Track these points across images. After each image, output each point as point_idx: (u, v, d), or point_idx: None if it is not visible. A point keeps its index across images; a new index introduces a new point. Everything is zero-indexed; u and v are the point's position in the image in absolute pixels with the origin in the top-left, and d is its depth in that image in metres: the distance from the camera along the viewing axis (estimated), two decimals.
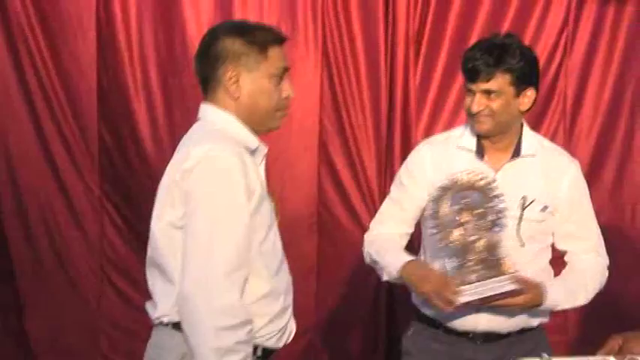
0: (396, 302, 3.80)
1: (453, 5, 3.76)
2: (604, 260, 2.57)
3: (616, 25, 3.74)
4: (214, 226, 1.96)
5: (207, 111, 2.14)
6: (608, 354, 2.08)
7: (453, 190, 2.33)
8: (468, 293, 2.28)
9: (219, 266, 1.94)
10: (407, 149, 3.66)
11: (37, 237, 3.86)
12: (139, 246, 3.80)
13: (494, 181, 2.37)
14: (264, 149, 2.16)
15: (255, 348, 2.06)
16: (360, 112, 3.81)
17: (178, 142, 3.74)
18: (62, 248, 3.89)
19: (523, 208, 2.43)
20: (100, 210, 3.92)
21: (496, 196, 2.33)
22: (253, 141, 2.11)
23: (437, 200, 2.35)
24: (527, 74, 2.39)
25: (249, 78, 2.08)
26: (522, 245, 2.43)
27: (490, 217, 2.32)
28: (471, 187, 2.33)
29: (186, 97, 3.79)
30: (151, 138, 3.87)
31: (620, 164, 3.84)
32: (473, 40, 3.59)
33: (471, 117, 2.43)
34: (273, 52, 2.09)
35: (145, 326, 2.22)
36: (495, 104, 2.38)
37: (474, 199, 2.32)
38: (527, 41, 3.67)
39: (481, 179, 2.34)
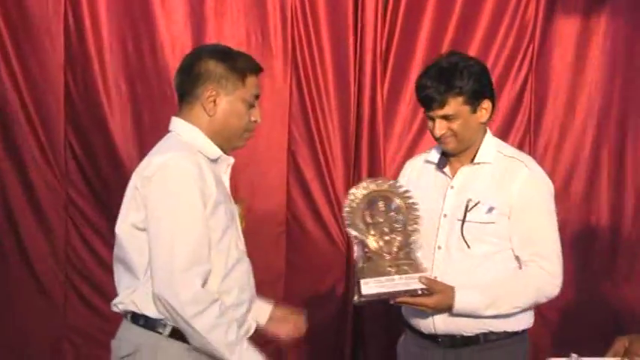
0: (363, 311, 3.83)
1: (422, 21, 3.82)
2: (551, 271, 2.52)
3: (582, 41, 3.82)
4: (173, 227, 2.16)
5: (177, 124, 2.34)
6: (615, 356, 2.08)
7: (365, 199, 2.46)
8: (374, 285, 2.37)
9: (180, 264, 2.14)
10: (374, 160, 3.76)
11: (2, 239, 3.86)
12: (103, 252, 3.84)
13: (396, 181, 2.56)
14: (227, 159, 2.35)
15: None
16: (330, 123, 3.85)
17: (146, 147, 3.78)
18: (28, 252, 3.89)
19: (466, 211, 2.50)
20: (65, 215, 3.91)
21: (405, 193, 2.49)
22: (215, 152, 2.30)
23: (353, 212, 2.47)
24: (478, 91, 2.49)
25: (225, 99, 2.30)
26: (468, 247, 2.49)
27: (401, 217, 2.46)
28: (378, 193, 2.47)
29: (155, 103, 3.83)
30: (119, 143, 3.87)
31: (588, 177, 3.89)
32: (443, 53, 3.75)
33: (436, 140, 2.54)
34: (250, 80, 2.32)
35: (109, 335, 2.30)
36: (455, 125, 2.49)
37: (384, 203, 2.47)
38: (493, 56, 3.81)
39: (386, 182, 2.51)
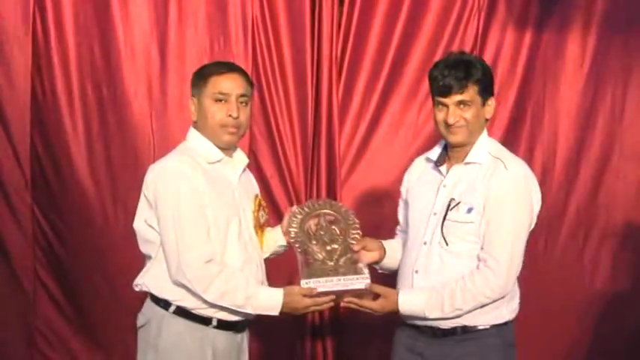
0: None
1: (371, 30, 3.95)
2: (496, 272, 2.51)
3: (515, 49, 3.97)
4: (171, 222, 2.51)
5: (189, 131, 2.70)
6: None
7: (307, 216, 2.71)
8: (313, 285, 2.54)
9: (182, 250, 2.49)
10: (331, 157, 3.87)
11: None
12: (64, 251, 3.96)
13: (337, 202, 2.83)
14: (232, 160, 2.69)
15: (210, 319, 2.56)
16: (289, 122, 3.92)
17: (111, 151, 3.91)
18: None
19: (448, 210, 2.59)
20: (32, 220, 3.99)
21: (345, 211, 2.72)
22: (213, 155, 2.63)
23: (297, 223, 2.69)
24: (489, 85, 2.61)
25: (198, 102, 2.64)
26: (446, 244, 2.57)
27: (342, 225, 2.68)
28: (320, 210, 2.73)
29: (120, 109, 3.91)
30: (83, 149, 3.93)
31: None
32: (388, 60, 3.93)
33: (446, 129, 2.59)
34: (213, 79, 2.61)
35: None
36: (468, 114, 2.56)
37: (325, 219, 2.71)
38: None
39: (327, 202, 2.78)
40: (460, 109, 2.56)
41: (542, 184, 3.82)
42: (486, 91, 2.60)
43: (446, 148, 2.70)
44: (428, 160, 2.77)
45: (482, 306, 2.55)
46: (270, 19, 3.91)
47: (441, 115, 2.60)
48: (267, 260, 2.82)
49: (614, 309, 3.93)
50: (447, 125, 2.58)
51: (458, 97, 2.55)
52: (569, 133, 3.98)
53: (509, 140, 3.92)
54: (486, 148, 2.63)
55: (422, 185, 2.74)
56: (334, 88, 3.89)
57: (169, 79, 3.92)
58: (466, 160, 2.62)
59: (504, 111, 3.97)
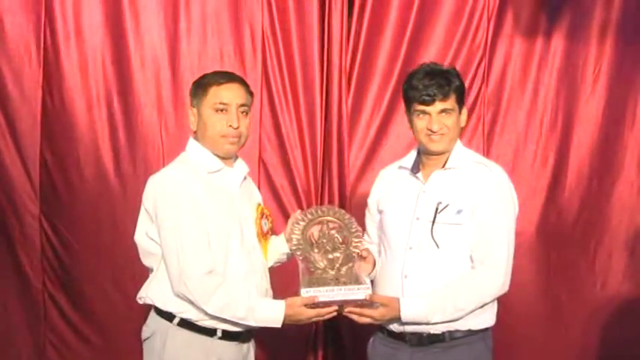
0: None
1: (380, 40, 3.96)
2: (496, 271, 2.57)
3: (525, 58, 3.98)
4: (170, 233, 2.49)
5: (189, 142, 2.69)
6: None
7: (311, 223, 2.69)
8: (322, 294, 2.51)
9: (182, 261, 2.47)
10: (341, 166, 3.86)
11: None
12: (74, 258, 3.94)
13: (340, 209, 2.73)
14: (232, 170, 2.66)
15: (214, 330, 2.53)
16: (298, 132, 3.92)
17: (122, 161, 3.90)
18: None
19: (436, 213, 2.62)
20: (40, 231, 3.97)
21: (347, 218, 2.68)
22: (212, 165, 2.62)
23: (299, 230, 2.67)
24: (463, 93, 2.70)
25: (198, 112, 2.62)
26: (438, 247, 2.61)
27: (345, 233, 2.66)
28: (323, 217, 2.69)
29: (131, 120, 3.92)
30: (94, 159, 3.94)
31: (532, 185, 4.00)
32: (397, 69, 3.92)
33: (427, 137, 2.64)
34: (213, 90, 2.59)
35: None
36: (449, 121, 2.63)
37: (327, 227, 2.67)
38: None
39: (330, 209, 2.72)
40: (442, 117, 2.61)
41: (555, 192, 3.95)
42: (461, 99, 2.67)
43: (419, 155, 2.75)
44: (401, 167, 2.80)
45: (484, 305, 2.60)
46: (280, 29, 3.93)
47: (422, 124, 2.64)
48: (273, 269, 2.81)
49: (625, 316, 3.92)
50: (429, 133, 2.62)
51: (441, 106, 2.60)
52: (582, 141, 3.98)
53: (521, 149, 3.96)
54: (465, 154, 2.71)
55: (397, 192, 2.77)
56: (344, 97, 3.90)
57: (179, 89, 3.92)
58: (447, 166, 2.67)
59: (514, 121, 4.00)
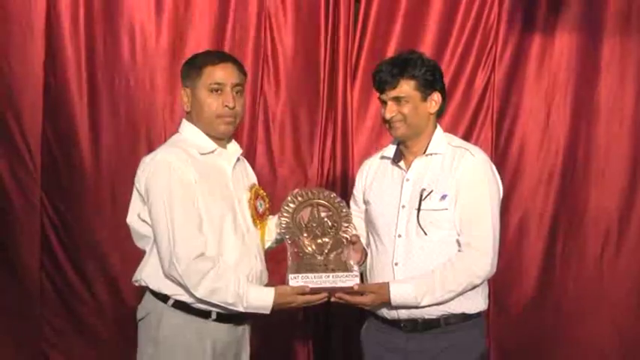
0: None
1: (388, 27, 3.93)
2: (482, 252, 2.60)
3: (535, 47, 3.95)
4: (161, 215, 2.47)
5: (182, 123, 2.67)
6: None
7: (301, 205, 2.65)
8: (302, 281, 2.50)
9: (173, 244, 2.45)
10: (346, 151, 3.87)
11: None
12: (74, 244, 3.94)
13: (330, 192, 2.70)
14: (225, 151, 2.64)
15: (209, 312, 2.51)
16: (303, 115, 3.91)
17: (122, 143, 3.88)
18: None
19: (421, 199, 2.64)
20: (41, 209, 3.96)
21: (337, 202, 2.66)
22: (206, 146, 2.59)
23: (289, 212, 2.64)
24: (430, 80, 2.67)
25: (192, 92, 2.60)
26: (425, 233, 2.63)
27: (333, 222, 2.63)
28: (313, 200, 2.66)
29: (133, 102, 3.90)
30: (95, 139, 3.92)
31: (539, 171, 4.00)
32: None
33: (387, 124, 2.70)
34: (208, 69, 2.57)
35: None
36: (405, 109, 2.65)
37: (317, 210, 2.65)
38: (456, 60, 3.93)
39: (321, 192, 2.69)
40: (397, 104, 2.64)
41: (564, 184, 3.96)
42: (427, 86, 2.66)
43: (400, 144, 2.77)
44: (383, 157, 2.83)
45: (474, 287, 2.62)
46: (284, 13, 3.91)
47: (382, 111, 2.70)
48: (272, 250, 2.81)
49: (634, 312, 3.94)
50: (386, 120, 2.68)
51: (392, 93, 2.64)
52: (591, 130, 3.97)
53: (530, 137, 3.96)
54: (445, 139, 2.73)
55: (382, 182, 2.79)
56: (349, 86, 3.90)
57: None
58: (428, 152, 2.70)
59: (523, 109, 3.98)
